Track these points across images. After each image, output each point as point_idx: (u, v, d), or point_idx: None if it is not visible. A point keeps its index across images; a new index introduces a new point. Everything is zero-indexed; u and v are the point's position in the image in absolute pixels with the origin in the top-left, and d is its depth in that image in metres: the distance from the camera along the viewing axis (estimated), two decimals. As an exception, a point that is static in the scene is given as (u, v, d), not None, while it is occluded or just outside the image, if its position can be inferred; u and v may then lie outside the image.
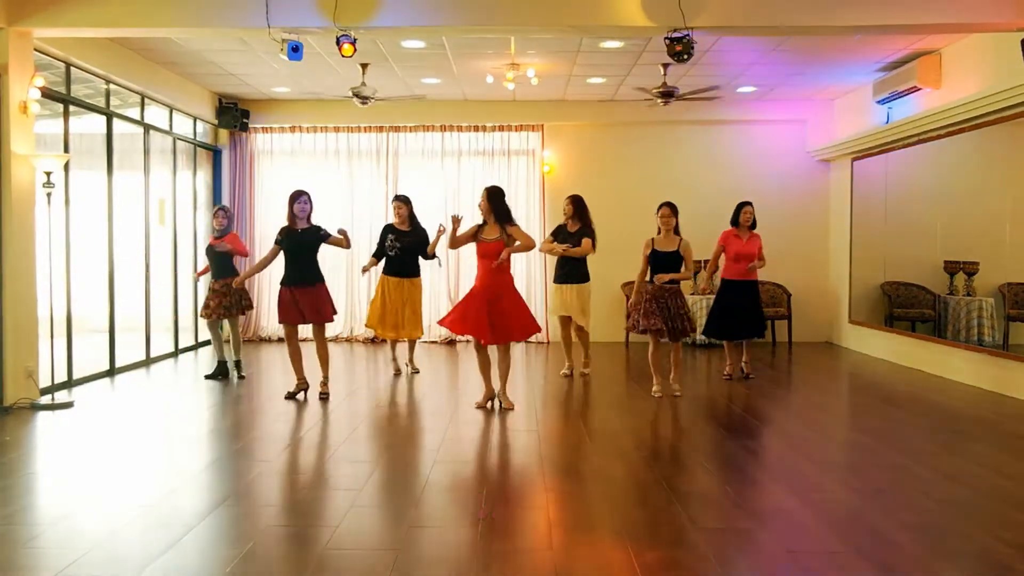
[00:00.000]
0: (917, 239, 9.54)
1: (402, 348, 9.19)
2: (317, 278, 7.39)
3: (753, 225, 8.29)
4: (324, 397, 7.33)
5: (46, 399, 7.02)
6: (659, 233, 7.34)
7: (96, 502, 4.45)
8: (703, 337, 9.66)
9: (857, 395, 8.48)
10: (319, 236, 7.30)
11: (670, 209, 7.34)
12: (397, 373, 8.76)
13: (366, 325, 8.70)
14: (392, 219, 8.61)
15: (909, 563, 3.65)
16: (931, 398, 7.73)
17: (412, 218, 8.48)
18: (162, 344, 10.07)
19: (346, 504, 4.36)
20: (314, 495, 4.65)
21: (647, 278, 7.32)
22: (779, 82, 10.41)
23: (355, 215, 11.87)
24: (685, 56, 6.77)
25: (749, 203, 8.34)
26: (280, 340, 11.46)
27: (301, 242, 7.28)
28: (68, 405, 6.96)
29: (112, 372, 8.78)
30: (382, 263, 8.44)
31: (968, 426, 6.66)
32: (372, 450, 5.67)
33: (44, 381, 7.19)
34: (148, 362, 9.58)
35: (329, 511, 4.31)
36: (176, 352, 10.37)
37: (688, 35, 6.71)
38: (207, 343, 11.20)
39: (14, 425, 6.30)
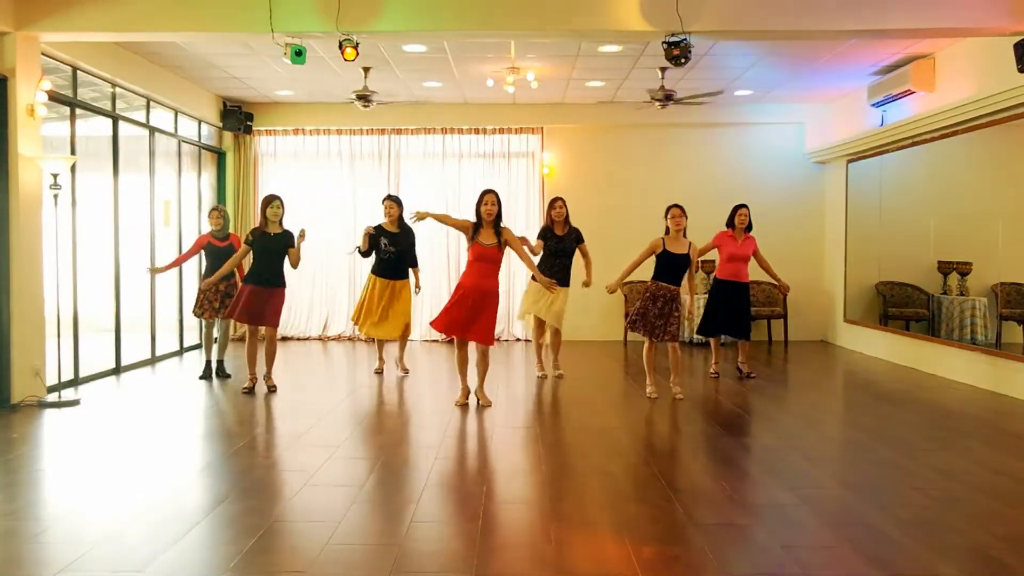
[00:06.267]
0: (911, 239, 9.64)
1: (392, 348, 9.25)
2: (280, 281, 7.60)
3: (749, 227, 8.39)
4: (273, 389, 7.56)
5: (53, 397, 7.11)
6: (667, 233, 7.34)
7: (101, 498, 4.53)
8: (698, 336, 9.73)
9: (852, 393, 8.56)
10: (288, 242, 7.54)
11: (681, 211, 7.31)
12: (378, 371, 8.73)
13: (351, 319, 8.73)
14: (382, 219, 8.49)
15: (903, 558, 3.71)
16: (925, 396, 7.81)
17: (401, 219, 8.40)
18: (167, 343, 10.17)
19: (348, 500, 4.44)
20: (316, 491, 4.70)
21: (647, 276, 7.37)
22: (775, 85, 10.50)
23: (357, 217, 11.97)
24: (683, 60, 6.85)
25: (745, 205, 8.45)
26: (283, 339, 11.58)
27: (271, 245, 7.50)
28: (74, 403, 7.05)
29: (118, 370, 8.87)
30: (368, 260, 8.46)
31: (961, 423, 6.74)
32: (373, 447, 5.75)
33: (51, 379, 7.27)
34: (153, 360, 9.67)
35: (331, 507, 4.36)
36: (181, 351, 10.46)
37: (686, 39, 6.79)
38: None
39: (21, 422, 6.38)
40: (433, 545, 3.86)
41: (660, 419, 6.65)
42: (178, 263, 8.73)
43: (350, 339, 11.95)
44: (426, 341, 11.76)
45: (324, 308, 12.03)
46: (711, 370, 8.63)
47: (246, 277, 7.63)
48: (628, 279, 11.61)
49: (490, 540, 3.89)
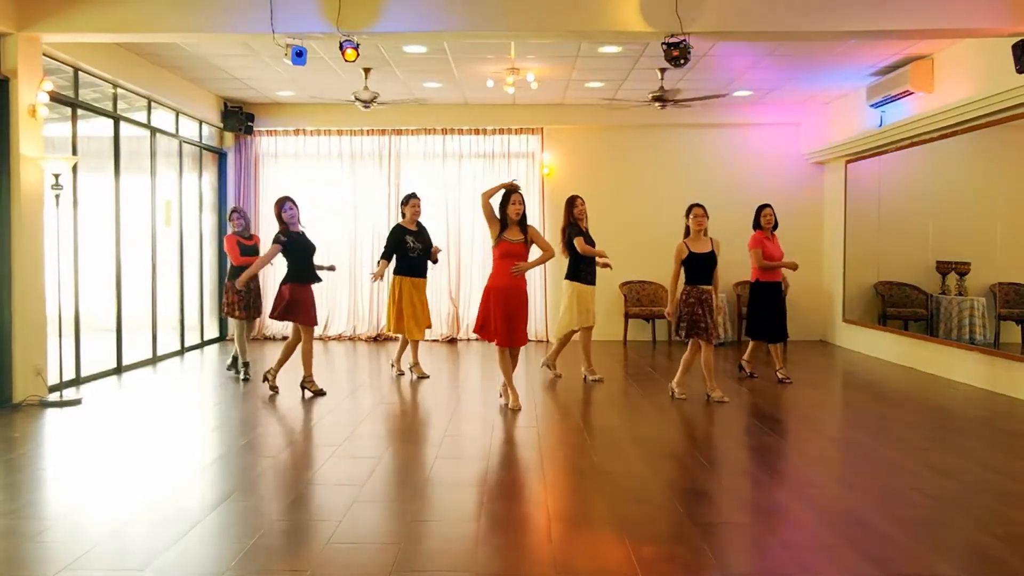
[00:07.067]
0: (910, 240, 9.65)
1: (394, 348, 9.23)
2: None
3: (775, 227, 8.36)
4: (322, 393, 7.46)
5: (54, 396, 7.14)
6: (687, 235, 7.26)
7: (103, 497, 4.55)
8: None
9: (851, 392, 8.58)
10: (310, 240, 7.59)
11: (703, 210, 7.24)
12: (423, 376, 8.58)
13: (391, 331, 8.48)
14: (402, 218, 8.48)
15: (902, 557, 3.72)
16: (924, 395, 7.84)
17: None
18: (168, 342, 10.19)
19: (349, 499, 4.45)
20: (318, 490, 4.73)
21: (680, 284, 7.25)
22: (774, 86, 10.52)
23: (358, 217, 12.01)
24: (682, 61, 6.87)
25: (769, 205, 8.40)
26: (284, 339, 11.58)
27: (306, 244, 7.50)
28: (76, 402, 7.07)
29: (119, 370, 8.90)
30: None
31: (960, 423, 6.76)
32: (375, 446, 5.76)
33: (53, 379, 7.30)
34: (155, 360, 9.70)
35: (333, 506, 4.39)
36: (182, 350, 10.48)
37: (685, 40, 6.81)
38: (212, 341, 11.32)
39: (23, 422, 6.40)
40: (434, 544, 3.88)
41: (660, 419, 6.66)
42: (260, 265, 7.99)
43: (351, 339, 11.97)
44: (425, 341, 11.73)
45: (325, 308, 11.99)
46: (779, 376, 8.35)
47: (293, 278, 7.34)
48: (629, 279, 11.81)
49: (490, 540, 3.91)
